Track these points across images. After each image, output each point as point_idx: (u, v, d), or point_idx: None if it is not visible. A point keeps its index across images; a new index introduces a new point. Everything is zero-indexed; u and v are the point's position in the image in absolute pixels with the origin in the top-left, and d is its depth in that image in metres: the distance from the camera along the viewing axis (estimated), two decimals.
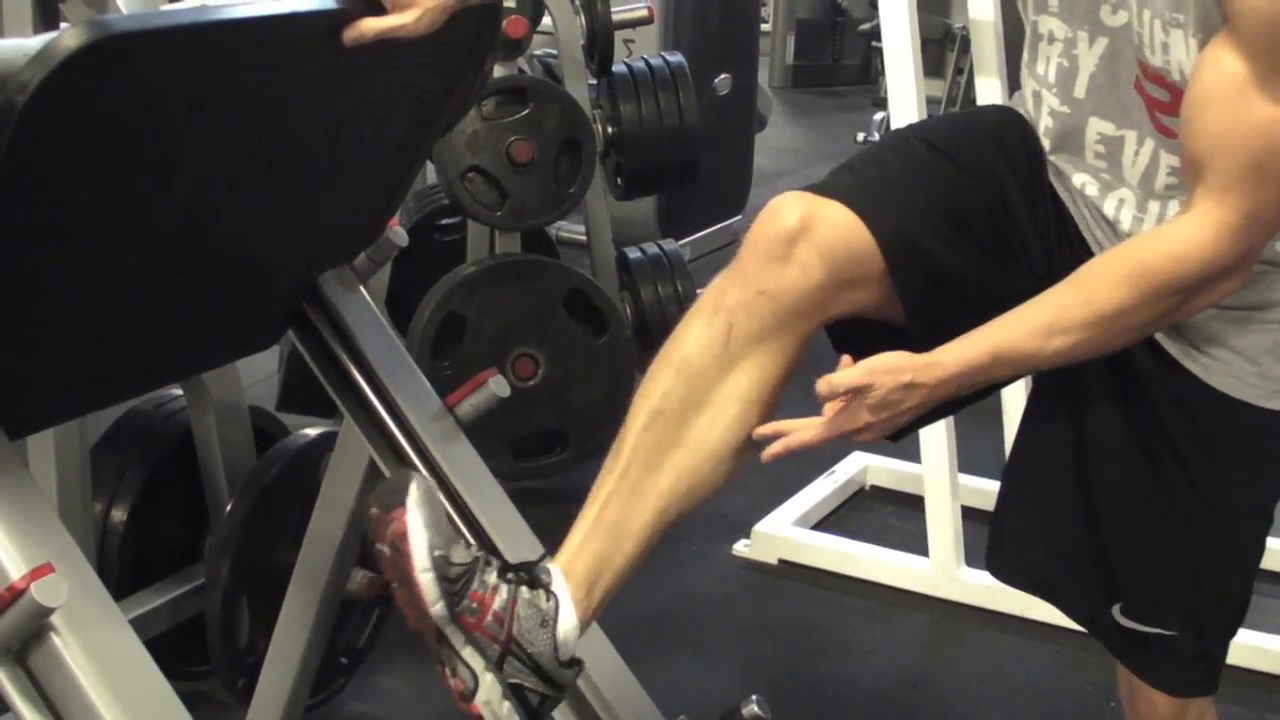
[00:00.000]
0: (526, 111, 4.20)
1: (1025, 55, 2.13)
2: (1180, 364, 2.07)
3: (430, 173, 4.81)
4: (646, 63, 4.69)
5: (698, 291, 4.53)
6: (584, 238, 4.79)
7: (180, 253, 2.07)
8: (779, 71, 11.06)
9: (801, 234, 1.95)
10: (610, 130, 4.59)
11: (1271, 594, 3.80)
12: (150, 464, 3.13)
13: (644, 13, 4.72)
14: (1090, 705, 3.43)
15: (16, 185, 1.73)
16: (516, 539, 2.33)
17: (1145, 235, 1.97)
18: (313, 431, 3.09)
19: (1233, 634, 2.23)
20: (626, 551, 1.98)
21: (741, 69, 6.83)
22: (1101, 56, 1.98)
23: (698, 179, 4.89)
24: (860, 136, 6.98)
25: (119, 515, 3.06)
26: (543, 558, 2.00)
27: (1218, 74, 1.79)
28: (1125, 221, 2.04)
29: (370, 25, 1.98)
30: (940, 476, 3.78)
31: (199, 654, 3.00)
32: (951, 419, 3.58)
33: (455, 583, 1.87)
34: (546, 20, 4.61)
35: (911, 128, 2.26)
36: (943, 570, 3.87)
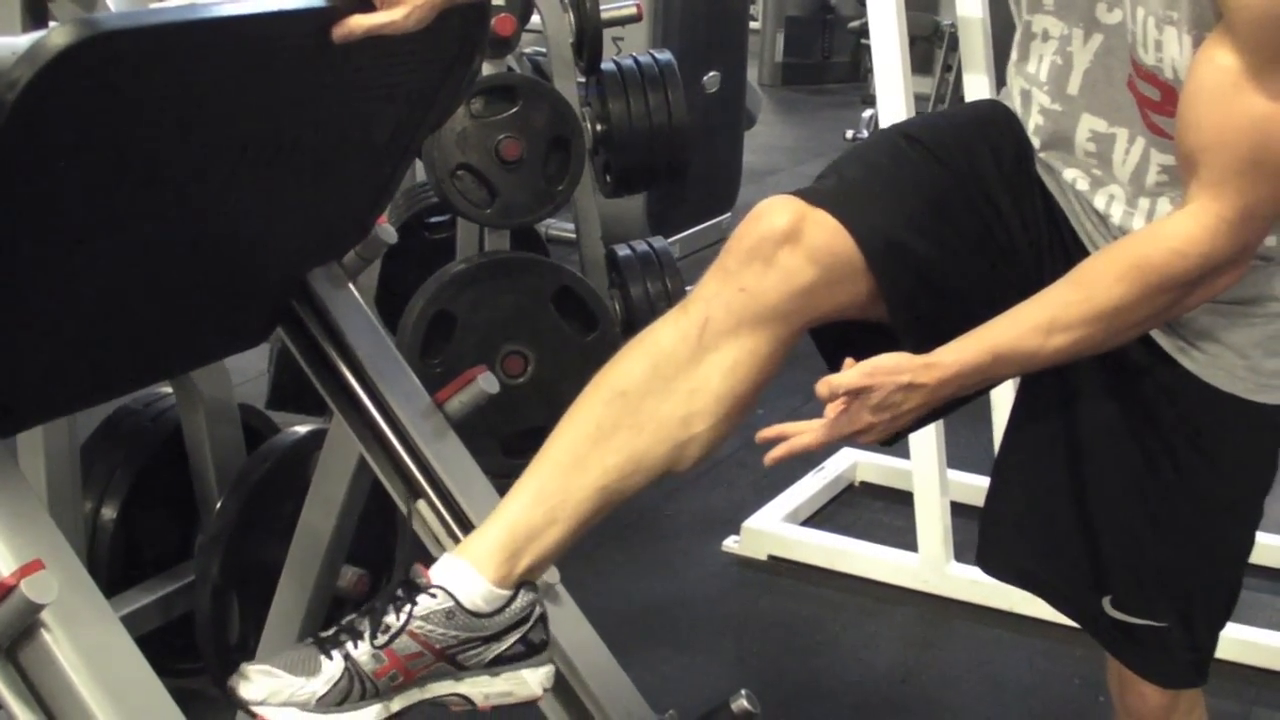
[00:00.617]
0: (515, 109, 4.20)
1: (1014, 54, 2.13)
2: (1172, 358, 2.07)
3: (419, 170, 4.81)
4: (635, 60, 4.69)
5: (687, 289, 4.57)
6: (573, 235, 4.80)
7: (169, 250, 2.07)
8: (768, 69, 11.07)
9: (787, 239, 1.94)
10: (599, 128, 4.60)
11: (1260, 588, 3.81)
12: (140, 462, 3.13)
13: (632, 10, 4.72)
14: (1079, 699, 3.44)
15: (4, 182, 1.73)
16: None
17: (1143, 231, 1.98)
18: (302, 429, 3.09)
19: (1222, 626, 2.24)
20: (563, 522, 1.95)
21: (730, 66, 6.83)
22: (1096, 53, 1.98)
23: (687, 176, 4.89)
24: (849, 134, 6.99)
25: (109, 513, 3.06)
26: (405, 573, 1.97)
27: (1212, 69, 1.80)
28: (1116, 216, 2.04)
29: (359, 22, 1.98)
30: (929, 472, 3.79)
31: (189, 651, 3.00)
32: None
33: (350, 693, 1.88)
34: (535, 18, 4.61)
35: (898, 126, 2.26)
36: (932, 565, 3.88)
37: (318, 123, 2.13)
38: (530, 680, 1.97)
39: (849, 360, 1.93)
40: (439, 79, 2.25)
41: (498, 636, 1.93)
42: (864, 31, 4.03)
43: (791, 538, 4.10)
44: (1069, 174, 2.09)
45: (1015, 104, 2.15)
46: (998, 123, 2.17)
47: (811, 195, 2.00)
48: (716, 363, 1.96)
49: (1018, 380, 2.31)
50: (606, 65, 4.65)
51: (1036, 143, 2.12)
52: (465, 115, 4.13)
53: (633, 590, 3.73)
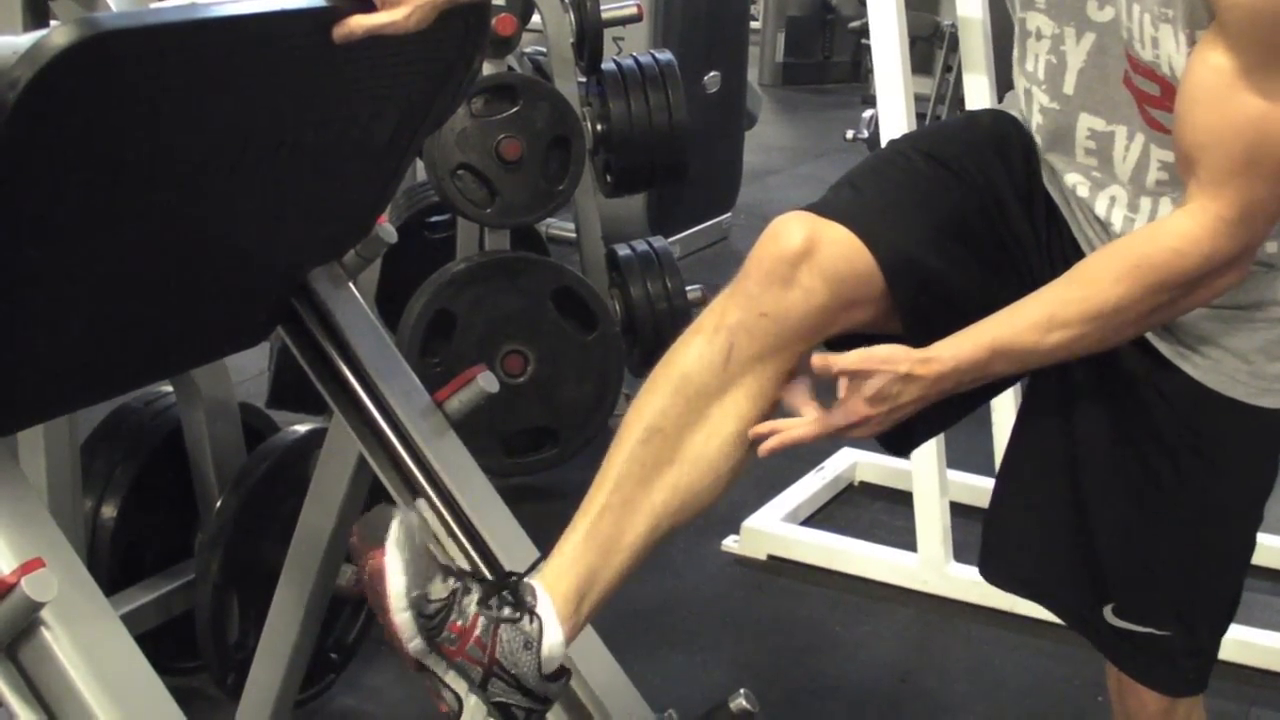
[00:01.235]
0: (516, 109, 4.20)
1: (1015, 52, 2.12)
2: (1172, 363, 2.07)
3: (420, 170, 4.81)
4: (636, 60, 4.69)
5: (687, 289, 4.57)
6: (574, 235, 4.80)
7: (169, 249, 2.08)
8: (769, 69, 11.06)
9: (804, 257, 1.95)
10: (599, 128, 4.59)
11: (1259, 589, 3.81)
12: (140, 460, 3.14)
13: (633, 10, 4.72)
14: (1078, 700, 3.44)
15: (6, 181, 1.73)
16: (506, 536, 2.34)
17: (1143, 230, 1.98)
18: (302, 428, 3.10)
19: (1224, 632, 2.24)
20: (616, 566, 1.99)
21: (731, 67, 6.83)
22: (1089, 52, 1.98)
23: (687, 176, 4.89)
24: (850, 134, 6.98)
25: (109, 511, 3.07)
26: (526, 574, 2.00)
27: (1207, 69, 1.80)
28: (1117, 222, 2.04)
29: (359, 22, 1.99)
30: (929, 472, 3.79)
31: (189, 650, 3.00)
32: None
33: (433, 618, 1.89)
34: (536, 18, 4.61)
35: (910, 139, 2.26)
36: (931, 565, 3.88)
37: (318, 122, 2.13)
38: None
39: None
40: (440, 79, 2.26)
41: (528, 693, 1.94)
42: (864, 32, 4.03)
43: (791, 537, 4.10)
44: (1070, 179, 2.09)
45: (1021, 103, 2.15)
46: (1007, 134, 2.17)
47: (826, 208, 2.01)
48: (745, 389, 2.00)
49: (1022, 385, 2.31)
50: (607, 65, 4.64)
51: (1040, 143, 2.12)
52: (466, 115, 4.13)
53: (632, 589, 3.69)
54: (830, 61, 11.17)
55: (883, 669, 3.62)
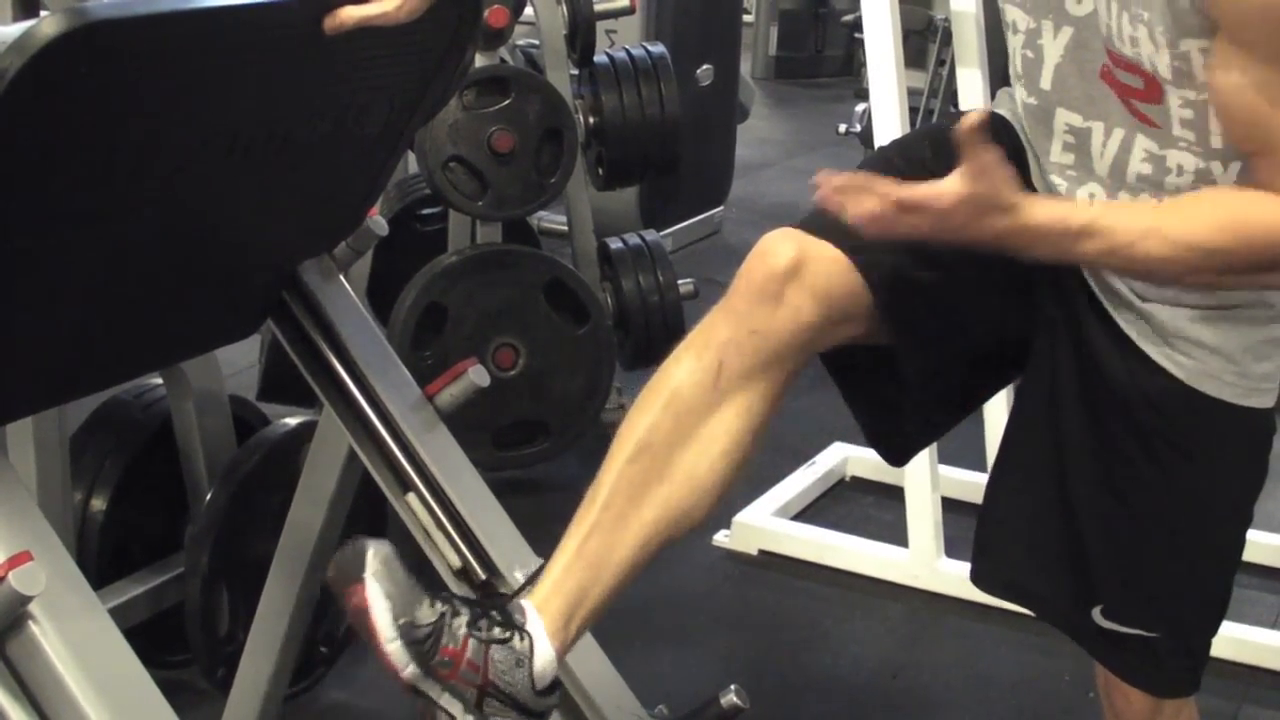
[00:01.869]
0: (508, 101, 4.19)
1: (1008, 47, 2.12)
2: (1157, 364, 2.05)
3: (412, 162, 4.80)
4: (628, 53, 4.68)
5: (679, 283, 4.57)
6: (565, 228, 4.79)
7: (159, 240, 2.07)
8: (761, 62, 11.04)
9: (793, 275, 1.95)
10: (592, 120, 4.58)
11: (1250, 585, 3.81)
12: (130, 453, 3.14)
13: (625, 3, 4.70)
14: (1068, 695, 3.44)
15: None
16: (497, 531, 2.33)
17: (1250, 194, 1.90)
18: (292, 421, 3.09)
19: (1213, 633, 2.22)
20: (606, 583, 1.99)
21: (724, 60, 6.82)
22: (1067, 47, 1.97)
23: (679, 170, 4.88)
24: (842, 128, 6.97)
25: (98, 504, 3.07)
26: (516, 595, 2.00)
27: (1240, 88, 1.79)
28: None
29: (351, 13, 1.98)
30: (920, 467, 3.79)
31: (178, 643, 3.00)
32: None
33: (424, 643, 1.88)
34: (528, 10, 4.60)
35: (899, 145, 2.26)
36: (922, 561, 3.87)
37: (309, 114, 2.13)
38: None
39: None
40: (431, 71, 2.25)
41: (524, 710, 1.94)
42: (857, 25, 4.02)
43: (782, 532, 4.10)
44: (1051, 178, 2.08)
45: (1015, 95, 2.15)
46: (996, 135, 2.15)
47: (814, 227, 2.01)
48: (734, 406, 2.00)
49: (1013, 387, 2.30)
50: (599, 58, 4.64)
51: (1024, 139, 2.12)
52: (457, 107, 4.12)
53: None
54: (823, 55, 11.15)
55: (874, 664, 3.62)
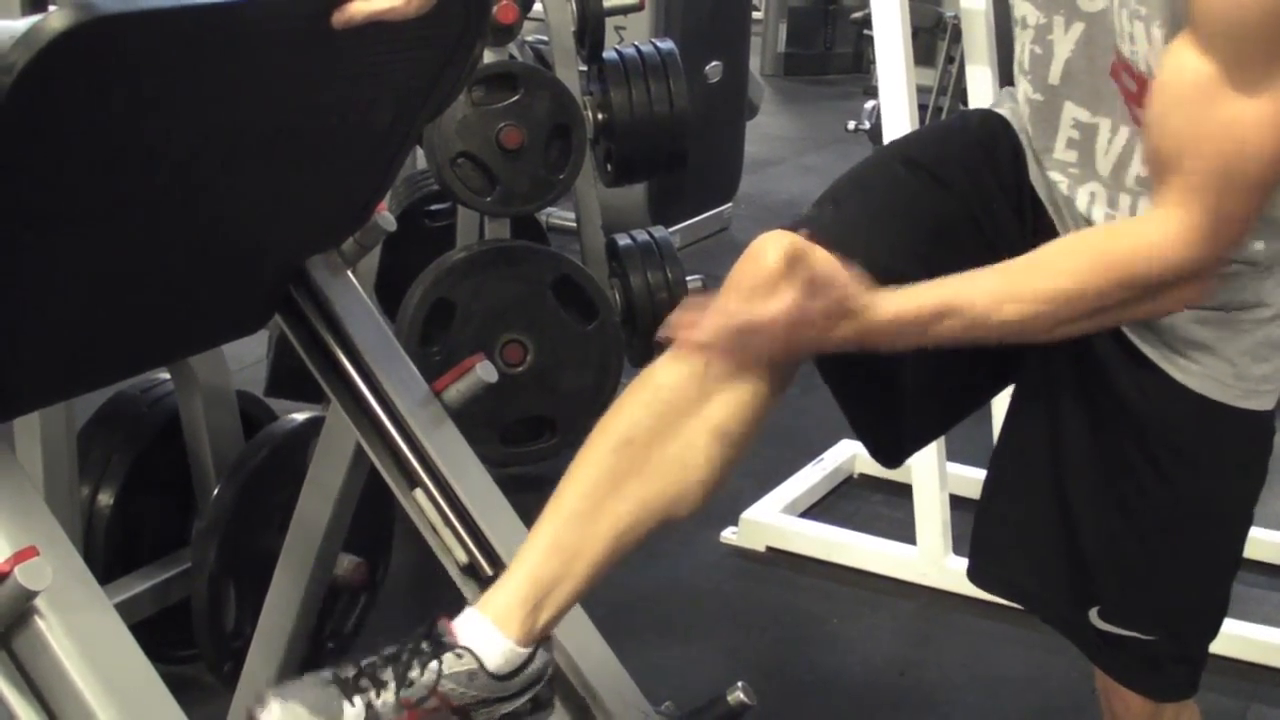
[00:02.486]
0: (516, 97, 4.18)
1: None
2: (1156, 366, 2.04)
3: (420, 157, 4.80)
4: (637, 49, 4.68)
5: (688, 279, 4.57)
6: (574, 224, 4.79)
7: (167, 236, 2.07)
8: (771, 59, 11.03)
9: (784, 276, 1.92)
10: (600, 117, 4.58)
11: (1256, 584, 3.81)
12: (137, 448, 3.13)
13: (635, 0, 4.71)
14: (1076, 692, 3.43)
15: (2, 167, 1.72)
16: (503, 527, 2.33)
17: (1112, 226, 1.95)
18: (300, 416, 3.09)
19: (1212, 637, 2.21)
20: (579, 574, 1.95)
21: (733, 56, 6.82)
22: (1078, 42, 1.96)
23: (688, 166, 4.88)
24: (851, 125, 6.97)
25: (105, 499, 3.06)
26: (431, 625, 1.97)
27: (1180, 74, 1.77)
28: (1098, 219, 2.02)
29: (360, 8, 1.97)
30: (928, 465, 3.79)
31: (185, 638, 3.00)
32: None
33: None
34: (538, 6, 4.60)
35: (895, 147, 2.25)
36: (930, 558, 3.87)
37: (318, 109, 2.13)
38: None
39: None
40: (440, 66, 2.25)
41: (512, 697, 1.93)
42: (867, 22, 4.02)
43: (790, 529, 4.10)
44: (1053, 175, 2.07)
45: (1018, 92, 2.14)
46: (995, 135, 2.14)
47: (807, 228, 1.98)
48: (720, 405, 1.96)
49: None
50: (608, 54, 4.63)
51: (1025, 138, 2.11)
52: (466, 102, 4.12)
53: (629, 580, 3.71)
54: (832, 52, 11.15)
55: (881, 662, 3.62)
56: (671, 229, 5.42)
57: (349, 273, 2.46)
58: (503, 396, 3.97)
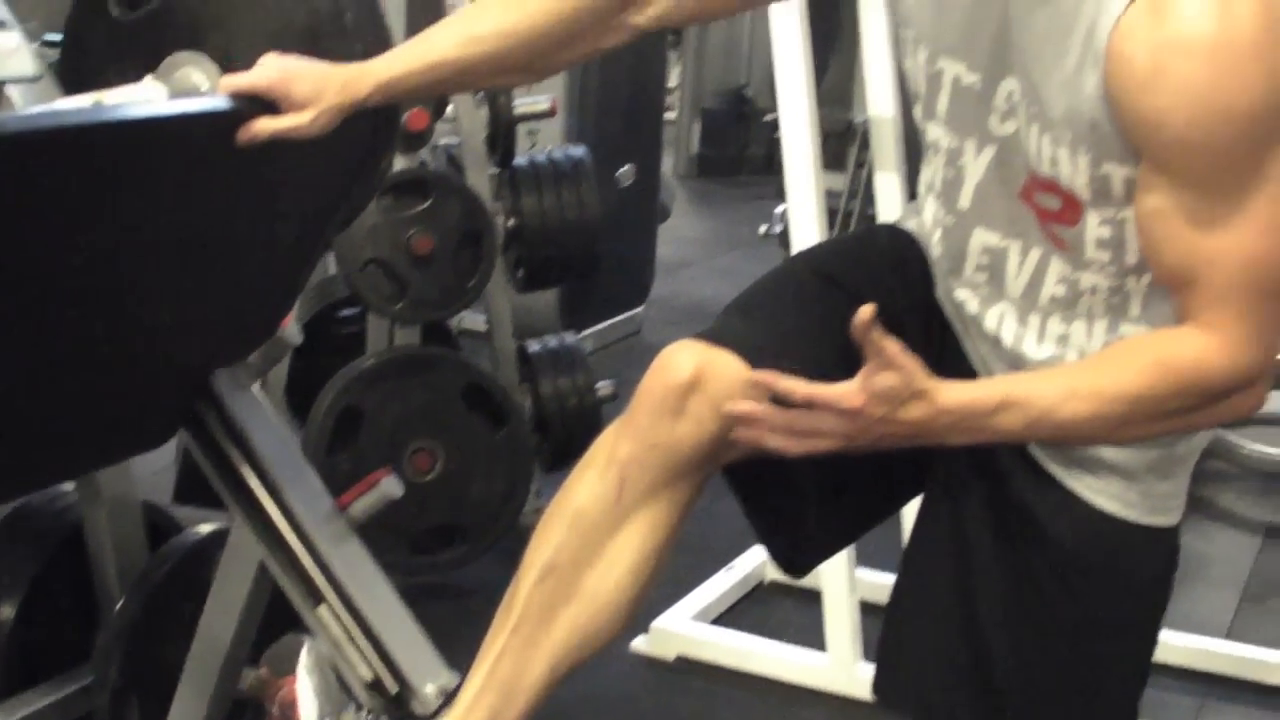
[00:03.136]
0: (427, 204, 4.18)
1: (923, 160, 2.13)
2: (1060, 483, 2.05)
3: (332, 263, 4.79)
4: (549, 156, 4.70)
5: (598, 385, 4.55)
6: (485, 329, 4.78)
7: (70, 348, 2.06)
8: (684, 160, 11.11)
9: (694, 387, 1.93)
10: (512, 223, 4.59)
11: (1167, 687, 3.82)
12: (39, 561, 3.09)
13: (547, 106, 4.72)
14: None
15: None
16: (409, 645, 2.32)
17: (1165, 332, 1.91)
18: (206, 528, 3.06)
19: None
20: (519, 706, 1.99)
21: (645, 159, 6.85)
22: (989, 166, 1.98)
23: (600, 270, 4.90)
24: (763, 229, 7.00)
25: (6, 613, 3.01)
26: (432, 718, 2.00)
27: (1162, 211, 1.79)
28: (1008, 337, 2.04)
29: (264, 126, 1.98)
30: (838, 570, 3.78)
31: None
32: None
33: None
34: (450, 109, 4.61)
35: (805, 258, 2.26)
36: (841, 665, 3.86)
37: (223, 224, 2.12)
38: None
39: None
40: (347, 180, 2.25)
41: None
42: (778, 125, 4.05)
43: (700, 637, 4.07)
44: (960, 294, 2.08)
45: (918, 213, 2.15)
46: (903, 249, 2.16)
47: (716, 336, 1.99)
48: (640, 522, 1.99)
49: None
50: (520, 160, 4.65)
51: (933, 255, 2.12)
52: (376, 209, 4.11)
53: None
54: (746, 154, 11.22)
55: None
56: (583, 333, 5.44)
57: (255, 385, 2.45)
58: (412, 505, 3.95)
